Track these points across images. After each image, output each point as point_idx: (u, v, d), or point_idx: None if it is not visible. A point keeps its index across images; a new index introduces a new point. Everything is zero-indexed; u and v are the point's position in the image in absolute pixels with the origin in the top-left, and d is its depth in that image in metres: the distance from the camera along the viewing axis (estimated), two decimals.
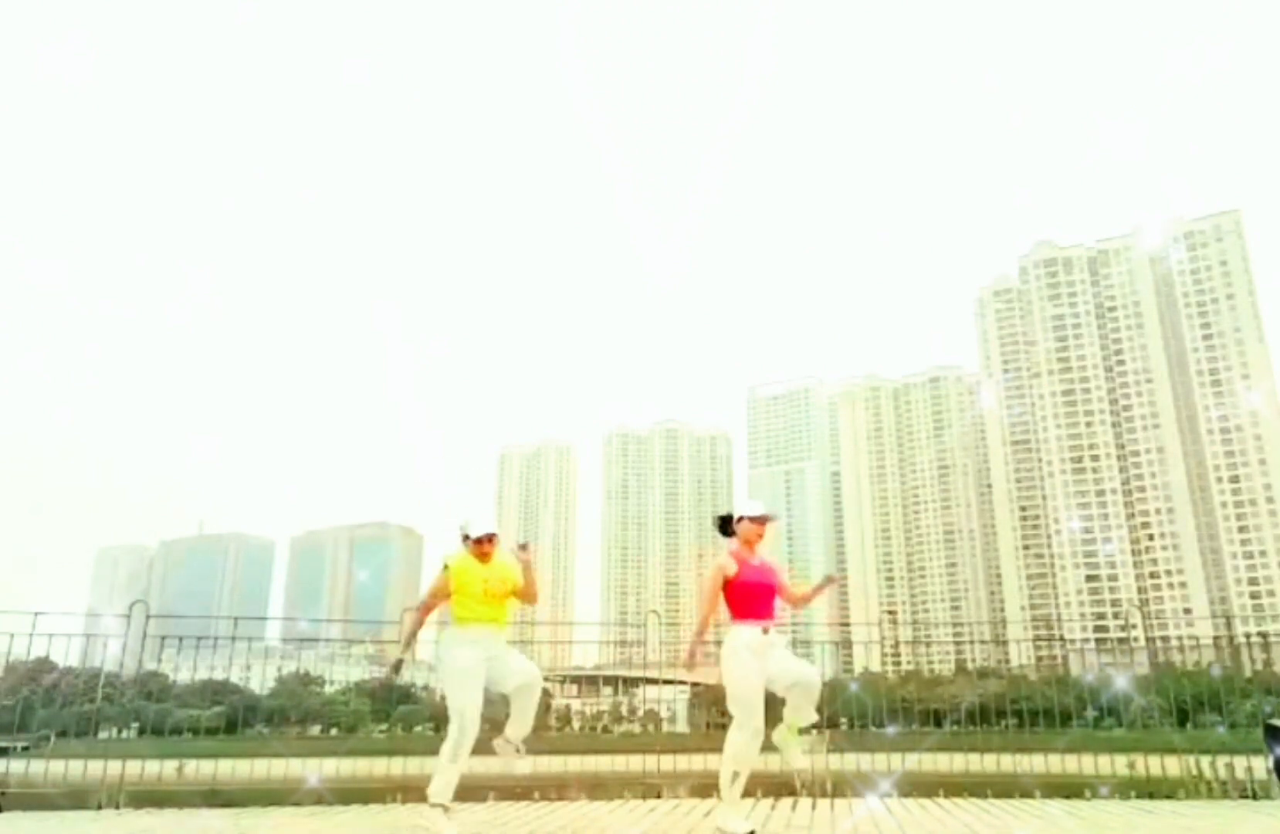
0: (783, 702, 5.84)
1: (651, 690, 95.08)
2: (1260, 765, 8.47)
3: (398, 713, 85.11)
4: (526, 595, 6.03)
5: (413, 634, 6.18)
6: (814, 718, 5.80)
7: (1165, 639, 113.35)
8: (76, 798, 8.91)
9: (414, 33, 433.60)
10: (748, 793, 8.17)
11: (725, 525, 5.98)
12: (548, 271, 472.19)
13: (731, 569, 5.79)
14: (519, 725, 6.11)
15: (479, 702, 5.90)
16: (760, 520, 5.85)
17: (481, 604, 5.91)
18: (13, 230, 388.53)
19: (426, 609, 6.08)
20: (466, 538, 5.96)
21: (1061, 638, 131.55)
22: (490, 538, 5.94)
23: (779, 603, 5.95)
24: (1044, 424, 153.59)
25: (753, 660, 5.65)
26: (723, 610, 5.92)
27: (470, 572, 5.94)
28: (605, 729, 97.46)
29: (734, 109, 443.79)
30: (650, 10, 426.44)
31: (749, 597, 5.75)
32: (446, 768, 5.77)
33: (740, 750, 5.65)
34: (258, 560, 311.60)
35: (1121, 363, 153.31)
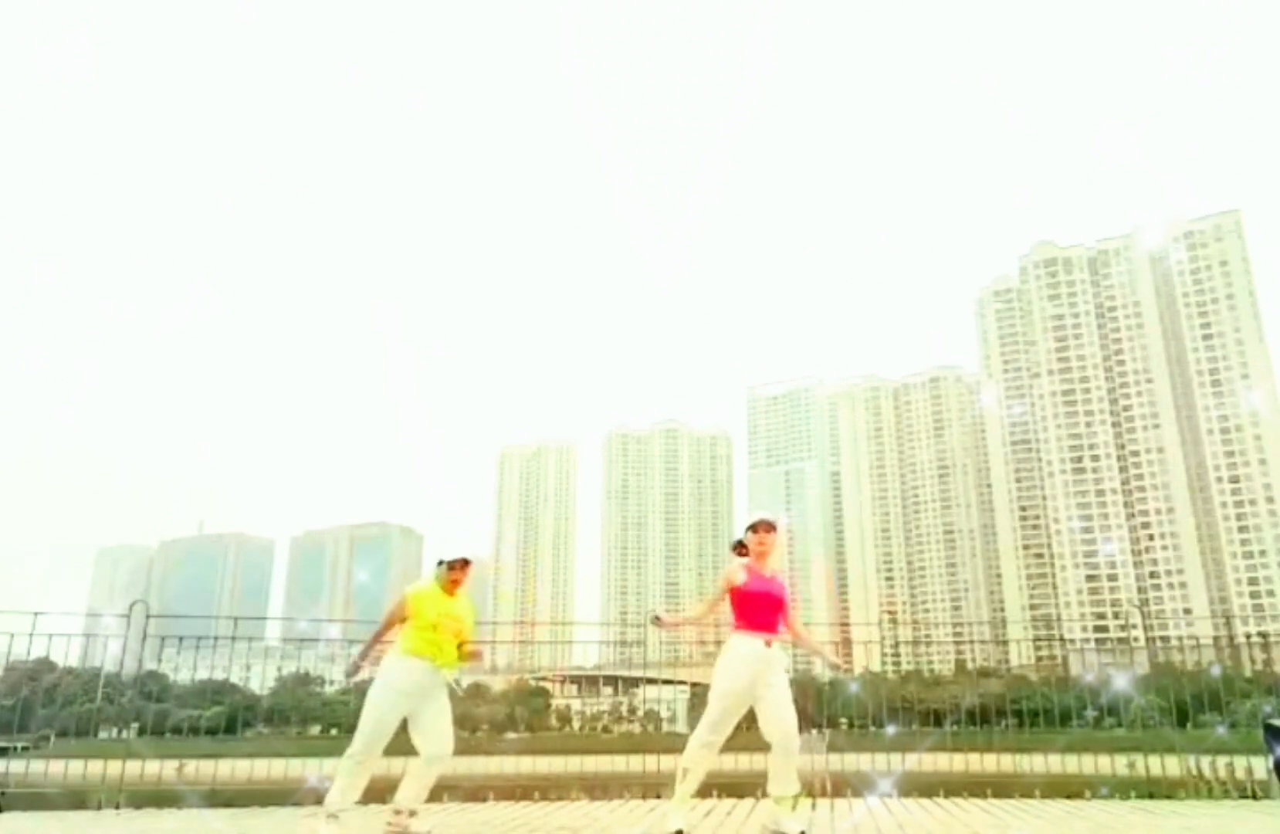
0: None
1: (651, 690, 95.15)
2: (1260, 765, 8.47)
3: None
4: (463, 654, 5.89)
5: (365, 654, 6.14)
6: (795, 788, 5.60)
7: (1165, 639, 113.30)
8: (76, 798, 8.91)
9: (414, 33, 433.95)
10: (747, 793, 8.18)
11: (740, 546, 5.89)
12: (548, 271, 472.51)
13: (739, 578, 5.70)
14: (410, 793, 5.75)
15: (387, 732, 5.73)
16: (755, 528, 5.77)
17: (430, 636, 5.75)
18: (13, 230, 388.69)
19: (378, 636, 6.03)
20: (441, 563, 5.88)
21: (1061, 638, 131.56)
22: (464, 563, 5.85)
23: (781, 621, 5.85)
24: (1044, 424, 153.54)
25: (745, 673, 5.58)
26: (726, 617, 5.90)
27: (429, 600, 5.84)
28: (605, 729, 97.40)
29: (734, 109, 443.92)
30: (650, 10, 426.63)
31: (753, 607, 5.66)
32: (341, 778, 5.64)
33: (690, 752, 5.66)
34: (258, 560, 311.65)
35: (1121, 363, 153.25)
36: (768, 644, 5.60)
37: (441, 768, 5.77)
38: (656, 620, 5.71)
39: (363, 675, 6.47)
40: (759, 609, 5.64)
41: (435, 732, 5.74)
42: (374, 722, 5.64)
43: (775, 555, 5.87)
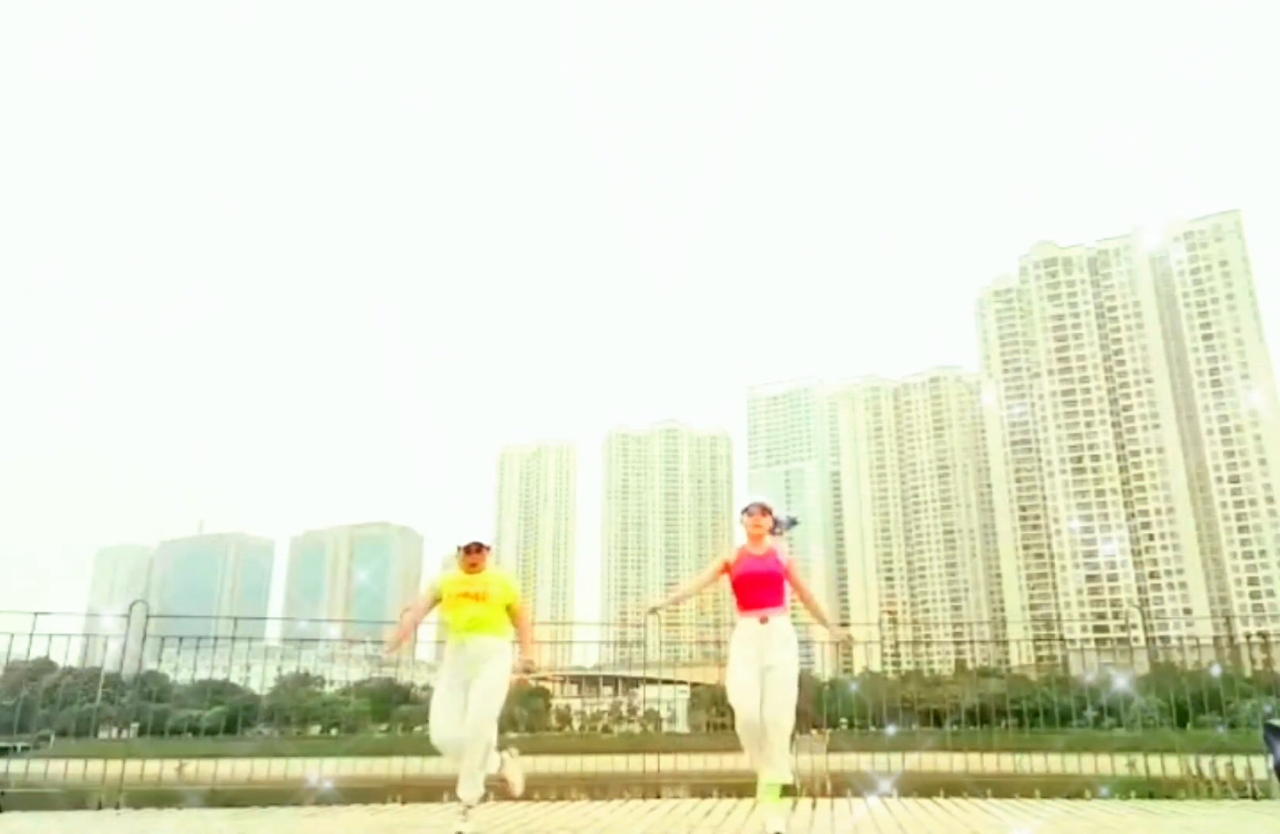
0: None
1: (651, 690, 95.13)
2: (1260, 765, 8.47)
3: (398, 713, 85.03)
4: (518, 622, 6.13)
5: (404, 633, 6.28)
6: (786, 777, 5.58)
7: (1165, 639, 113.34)
8: (76, 798, 8.92)
9: (414, 33, 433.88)
10: (748, 793, 8.17)
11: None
12: (548, 272, 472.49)
13: (731, 559, 5.96)
14: (464, 785, 5.74)
15: (445, 713, 5.81)
16: (747, 511, 5.99)
17: (459, 608, 5.94)
18: (13, 230, 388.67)
19: (410, 617, 6.19)
20: (459, 549, 6.09)
21: (1061, 638, 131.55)
22: (474, 547, 6.00)
23: (789, 593, 5.98)
24: (1044, 424, 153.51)
25: (745, 648, 5.74)
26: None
27: (450, 582, 6.05)
28: (605, 729, 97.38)
29: (734, 109, 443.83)
30: (650, 10, 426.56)
31: (744, 586, 5.88)
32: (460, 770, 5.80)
33: (741, 738, 5.70)
34: (258, 560, 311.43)
35: (1121, 363, 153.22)
36: (763, 621, 5.76)
37: (474, 752, 5.73)
38: (654, 611, 6.06)
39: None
40: (750, 588, 5.85)
41: (470, 710, 5.80)
42: (432, 702, 5.88)
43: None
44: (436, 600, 6.07)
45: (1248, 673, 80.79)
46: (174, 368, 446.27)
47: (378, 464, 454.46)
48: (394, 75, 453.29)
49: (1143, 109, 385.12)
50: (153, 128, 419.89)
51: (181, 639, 11.86)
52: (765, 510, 5.96)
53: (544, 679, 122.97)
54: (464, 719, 5.73)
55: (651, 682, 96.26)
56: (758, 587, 5.84)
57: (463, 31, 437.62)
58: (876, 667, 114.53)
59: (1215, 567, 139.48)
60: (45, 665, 75.10)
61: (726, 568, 5.94)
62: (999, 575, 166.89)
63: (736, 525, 6.30)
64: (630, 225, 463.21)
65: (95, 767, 9.12)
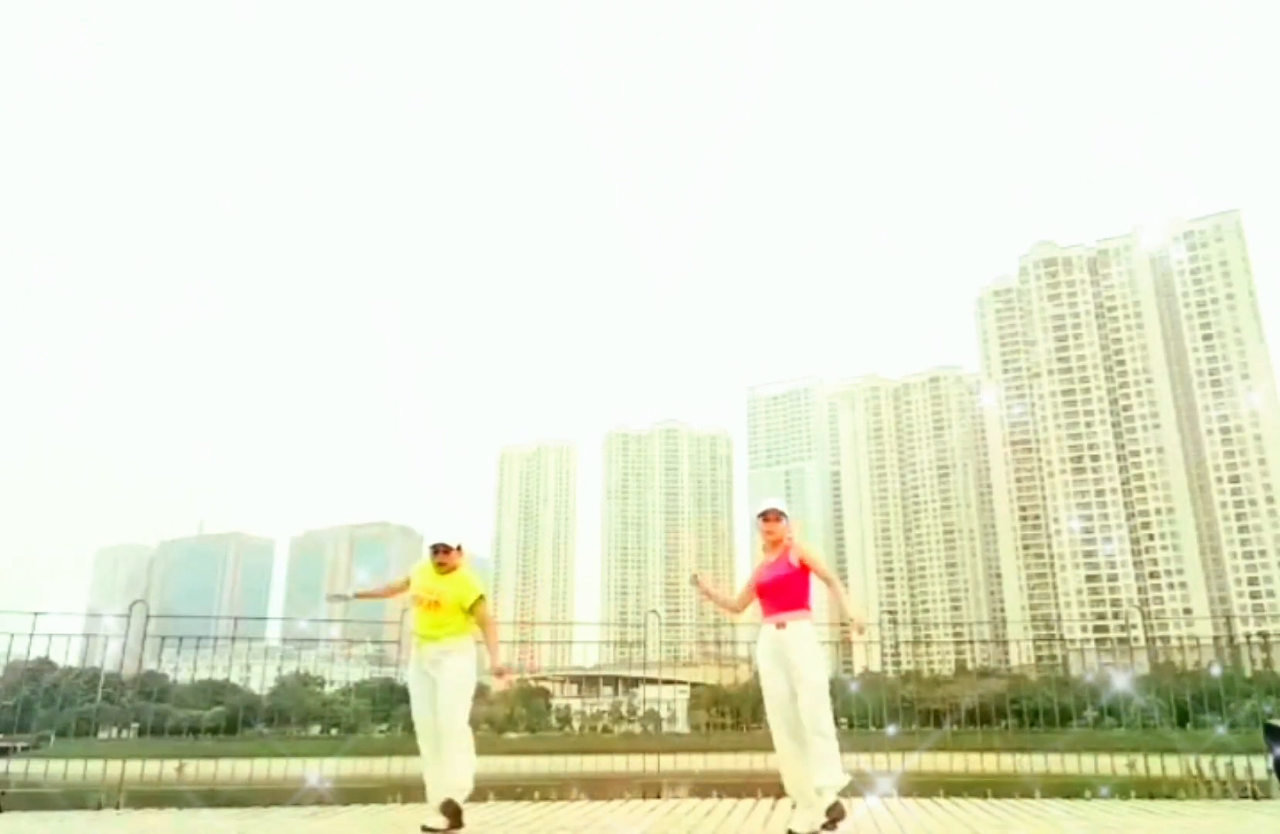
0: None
1: (651, 690, 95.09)
2: (1260, 765, 8.47)
3: (398, 713, 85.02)
4: (482, 627, 6.23)
5: (367, 594, 6.52)
6: (823, 780, 5.42)
7: (1165, 639, 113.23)
8: (76, 798, 8.91)
9: (414, 33, 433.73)
10: (748, 793, 8.17)
11: None
12: (548, 272, 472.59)
13: (752, 572, 6.08)
14: (439, 784, 5.82)
15: (419, 716, 6.08)
16: (764, 516, 5.98)
17: (419, 612, 6.12)
18: (13, 230, 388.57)
19: (381, 591, 6.49)
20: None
21: (1061, 638, 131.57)
22: (441, 549, 6.10)
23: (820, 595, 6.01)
24: (1044, 424, 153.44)
25: (764, 658, 5.84)
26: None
27: (417, 575, 6.20)
28: (605, 729, 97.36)
29: (734, 109, 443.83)
30: (650, 10, 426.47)
31: (760, 597, 5.94)
32: (426, 769, 5.93)
33: (778, 753, 5.76)
34: (258, 560, 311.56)
35: (1121, 363, 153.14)
36: (779, 626, 5.78)
37: (448, 749, 5.90)
38: (694, 579, 6.27)
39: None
40: (762, 597, 5.93)
41: (438, 706, 6.00)
42: (413, 717, 6.08)
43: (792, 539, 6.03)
44: (407, 584, 6.25)
45: (1248, 673, 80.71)
46: (174, 368, 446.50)
47: (378, 464, 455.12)
48: (394, 76, 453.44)
49: (1143, 109, 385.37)
50: (153, 128, 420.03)
51: (181, 639, 11.87)
52: (778, 516, 5.94)
53: (544, 679, 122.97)
54: (436, 717, 5.96)
55: (651, 682, 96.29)
56: (769, 594, 5.88)
57: (463, 32, 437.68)
58: (876, 667, 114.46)
59: (1215, 567, 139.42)
60: (45, 665, 74.97)
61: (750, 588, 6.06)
62: (999, 575, 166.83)
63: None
64: (630, 225, 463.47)
65: (95, 767, 9.13)
